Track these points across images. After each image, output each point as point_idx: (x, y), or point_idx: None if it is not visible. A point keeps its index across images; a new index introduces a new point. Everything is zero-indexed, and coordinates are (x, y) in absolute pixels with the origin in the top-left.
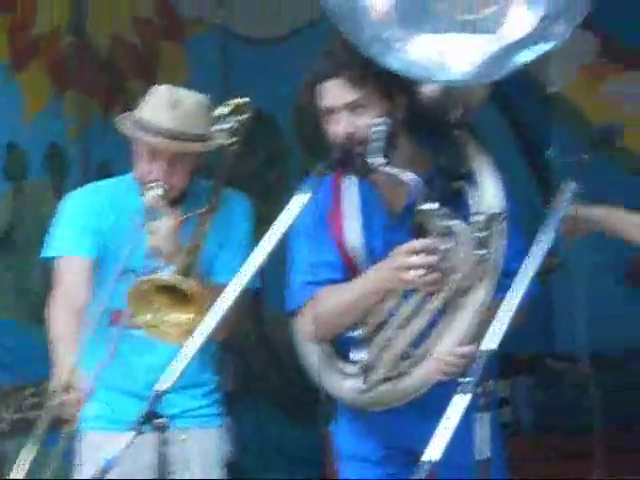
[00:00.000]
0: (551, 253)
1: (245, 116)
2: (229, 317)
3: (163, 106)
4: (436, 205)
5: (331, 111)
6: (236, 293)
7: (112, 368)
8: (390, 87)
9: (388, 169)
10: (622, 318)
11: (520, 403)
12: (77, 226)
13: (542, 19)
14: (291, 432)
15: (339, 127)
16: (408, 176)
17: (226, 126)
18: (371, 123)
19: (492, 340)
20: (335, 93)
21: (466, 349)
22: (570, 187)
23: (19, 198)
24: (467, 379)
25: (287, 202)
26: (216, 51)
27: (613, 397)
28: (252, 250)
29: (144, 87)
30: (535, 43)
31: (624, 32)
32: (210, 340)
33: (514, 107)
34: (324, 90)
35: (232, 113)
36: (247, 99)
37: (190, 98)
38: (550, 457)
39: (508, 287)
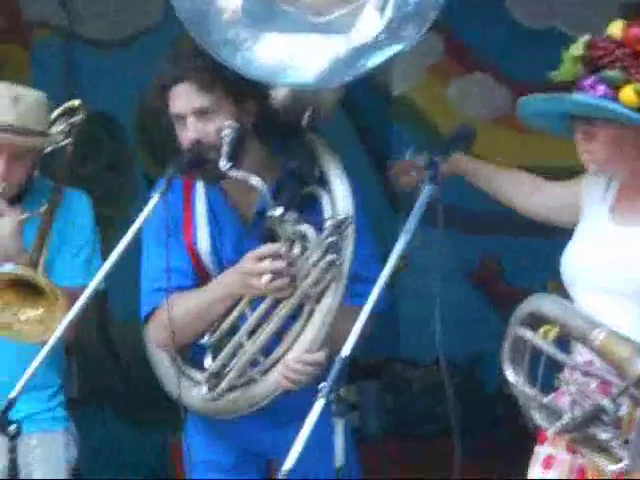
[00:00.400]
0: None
1: (77, 117)
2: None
3: (4, 103)
4: (284, 210)
5: (180, 117)
6: (89, 293)
7: None
8: (240, 92)
9: (234, 173)
10: (471, 323)
11: (369, 409)
12: None
13: (391, 21)
14: (137, 438)
15: (188, 133)
16: (256, 180)
17: (60, 128)
18: (220, 128)
19: (347, 347)
20: (184, 99)
21: (315, 356)
22: (426, 191)
23: None
24: (324, 385)
25: (131, 204)
26: (60, 54)
27: (460, 403)
28: (93, 248)
29: None
30: (385, 45)
31: (470, 32)
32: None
33: (360, 110)
34: (173, 95)
35: (65, 115)
36: (79, 101)
37: (30, 95)
38: (399, 462)
39: (356, 293)
